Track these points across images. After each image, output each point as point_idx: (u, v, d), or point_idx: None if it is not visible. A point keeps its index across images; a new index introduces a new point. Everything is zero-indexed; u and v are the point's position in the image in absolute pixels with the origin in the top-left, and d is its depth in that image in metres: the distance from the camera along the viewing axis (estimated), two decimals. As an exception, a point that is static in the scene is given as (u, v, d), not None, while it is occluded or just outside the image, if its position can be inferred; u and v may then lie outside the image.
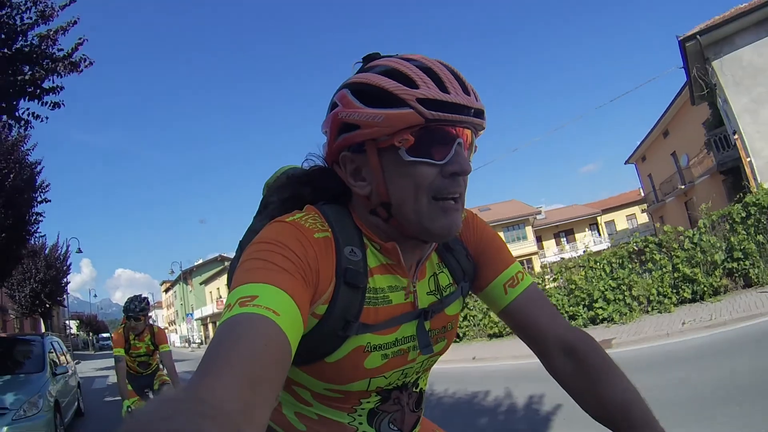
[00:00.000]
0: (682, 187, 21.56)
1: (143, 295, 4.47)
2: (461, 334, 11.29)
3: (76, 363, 10.07)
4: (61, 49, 6.95)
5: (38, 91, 6.76)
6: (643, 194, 31.99)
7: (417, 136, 0.69)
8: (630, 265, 9.55)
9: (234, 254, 0.93)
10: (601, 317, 9.38)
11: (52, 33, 6.78)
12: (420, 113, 0.67)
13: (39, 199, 11.86)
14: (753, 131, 12.63)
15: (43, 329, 21.98)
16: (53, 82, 6.91)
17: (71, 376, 7.39)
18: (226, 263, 43.13)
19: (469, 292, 0.94)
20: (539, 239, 38.84)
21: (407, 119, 0.67)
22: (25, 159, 11.10)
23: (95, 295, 50.92)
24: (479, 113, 0.72)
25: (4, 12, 6.30)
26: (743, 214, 8.83)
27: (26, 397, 5.10)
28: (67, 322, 32.56)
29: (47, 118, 7.25)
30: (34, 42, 6.65)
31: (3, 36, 6.34)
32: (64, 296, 22.76)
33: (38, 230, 12.58)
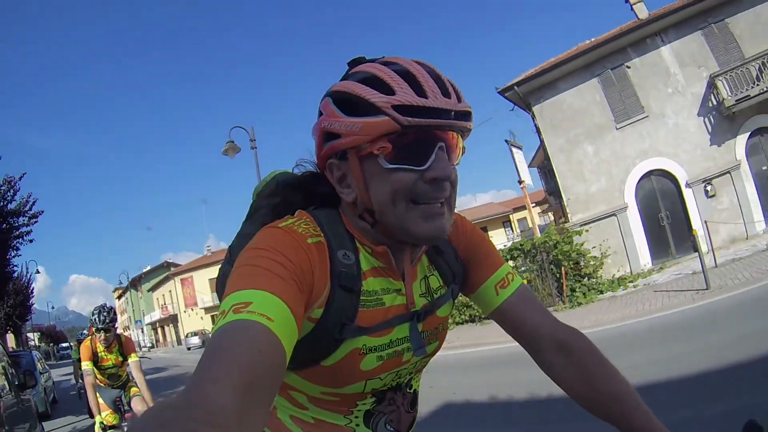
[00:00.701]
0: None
1: (107, 305, 4.30)
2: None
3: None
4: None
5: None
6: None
7: (395, 143, 0.69)
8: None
9: (223, 259, 0.93)
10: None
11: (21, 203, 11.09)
12: (395, 120, 0.67)
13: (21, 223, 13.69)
14: (565, 170, 14.36)
15: (13, 344, 25.49)
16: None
17: (49, 377, 12.00)
18: (173, 268, 45.86)
19: (459, 294, 0.95)
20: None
21: (383, 127, 0.67)
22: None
23: (53, 307, 52.47)
24: (462, 115, 0.71)
25: None
26: (528, 247, 11.75)
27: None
28: (29, 335, 35.02)
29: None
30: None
31: None
32: (30, 315, 26.27)
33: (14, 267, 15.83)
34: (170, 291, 42.54)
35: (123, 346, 4.26)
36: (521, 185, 15.06)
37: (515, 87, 14.48)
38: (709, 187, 13.12)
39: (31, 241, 13.61)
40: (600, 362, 0.83)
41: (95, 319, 4.05)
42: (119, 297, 59.31)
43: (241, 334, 0.54)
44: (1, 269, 13.39)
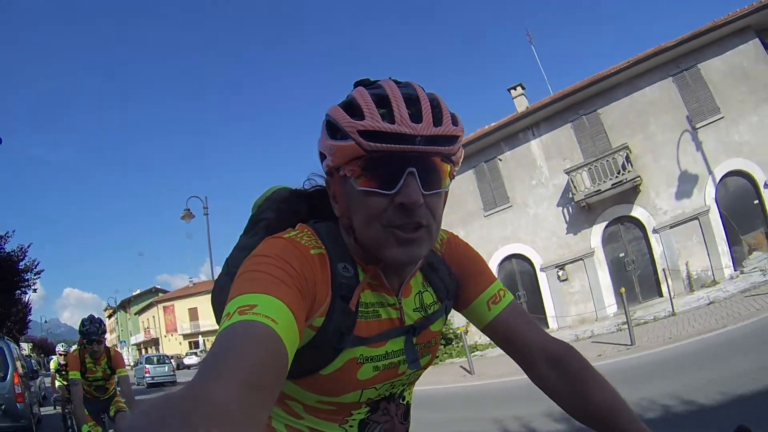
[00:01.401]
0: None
1: (96, 316, 4.15)
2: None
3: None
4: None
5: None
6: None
7: (365, 167, 0.71)
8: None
9: (220, 272, 0.93)
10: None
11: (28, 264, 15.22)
12: (360, 145, 0.69)
13: (29, 277, 17.39)
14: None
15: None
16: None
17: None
18: (160, 294, 49.60)
19: (452, 309, 0.96)
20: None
21: (350, 151, 0.70)
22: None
23: (45, 321, 55.25)
24: (432, 140, 0.70)
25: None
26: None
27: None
28: (23, 344, 37.62)
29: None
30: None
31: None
32: (27, 330, 29.75)
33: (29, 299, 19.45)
34: (154, 316, 46.13)
35: (111, 360, 4.17)
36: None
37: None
38: (560, 272, 14.55)
39: (35, 291, 18.61)
40: (592, 376, 0.84)
41: (87, 330, 3.94)
42: (109, 316, 62.45)
43: (247, 334, 0.55)
44: (10, 306, 17.70)
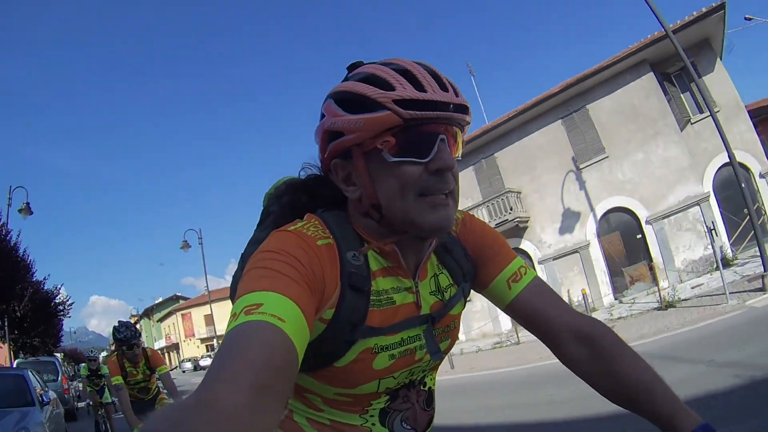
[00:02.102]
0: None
1: (126, 320, 4.20)
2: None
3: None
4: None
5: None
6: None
7: (398, 137, 0.70)
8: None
9: (236, 267, 0.92)
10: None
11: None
12: (397, 114, 0.68)
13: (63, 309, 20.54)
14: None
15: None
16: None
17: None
18: (181, 301, 53.87)
19: (471, 291, 0.94)
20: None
21: (386, 121, 0.69)
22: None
23: (74, 331, 59.33)
24: (460, 108, 0.72)
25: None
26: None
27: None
28: (56, 355, 41.48)
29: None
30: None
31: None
32: (60, 343, 33.69)
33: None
34: (174, 323, 50.42)
35: (149, 360, 4.17)
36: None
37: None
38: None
39: (69, 317, 22.54)
40: (624, 353, 0.80)
41: (123, 337, 3.94)
42: (135, 323, 67.25)
43: (253, 336, 0.54)
44: (49, 330, 21.34)
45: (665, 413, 0.73)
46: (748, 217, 10.40)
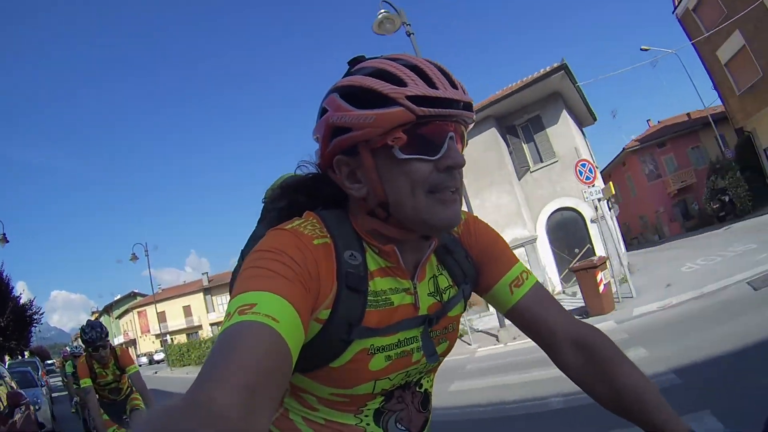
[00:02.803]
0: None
1: (93, 320, 4.09)
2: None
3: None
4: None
5: None
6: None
7: (409, 134, 0.69)
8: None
9: (236, 264, 0.91)
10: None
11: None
12: (410, 110, 0.68)
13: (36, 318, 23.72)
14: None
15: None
16: None
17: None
18: (139, 298, 55.27)
19: (472, 293, 0.93)
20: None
21: (398, 117, 0.68)
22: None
23: (39, 330, 62.29)
24: (468, 106, 0.73)
25: None
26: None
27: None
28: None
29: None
30: None
31: None
32: (30, 344, 36.22)
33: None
34: (131, 320, 53.68)
35: (119, 360, 4.05)
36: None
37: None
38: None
39: (41, 324, 26.11)
40: (619, 359, 0.80)
41: (89, 338, 3.80)
42: (96, 319, 70.78)
43: (246, 336, 0.54)
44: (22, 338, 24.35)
45: (657, 422, 0.72)
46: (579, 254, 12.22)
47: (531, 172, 14.73)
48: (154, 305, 36.56)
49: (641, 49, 20.28)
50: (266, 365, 0.53)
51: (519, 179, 14.69)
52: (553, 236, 14.34)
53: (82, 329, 3.90)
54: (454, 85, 0.72)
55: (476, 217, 0.97)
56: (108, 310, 63.63)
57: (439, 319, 0.86)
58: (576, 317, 0.89)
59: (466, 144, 0.78)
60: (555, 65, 13.27)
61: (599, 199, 9.57)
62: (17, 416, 5.39)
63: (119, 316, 60.46)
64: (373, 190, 0.74)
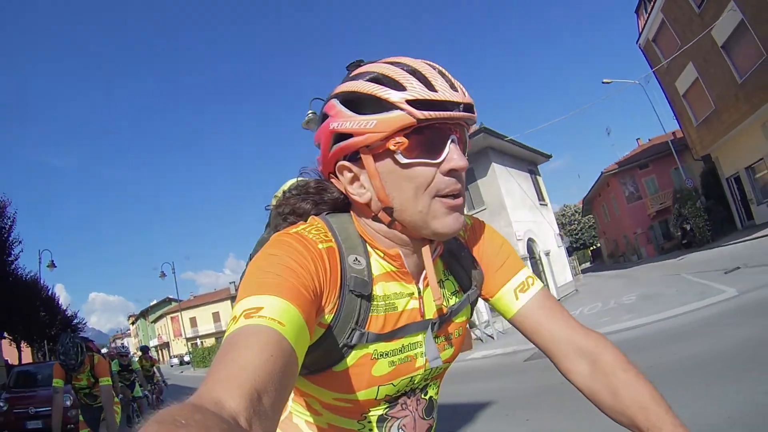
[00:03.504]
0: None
1: (71, 334, 4.03)
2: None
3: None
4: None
5: None
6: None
7: (410, 138, 0.69)
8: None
9: (244, 268, 0.89)
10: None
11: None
12: (411, 114, 0.67)
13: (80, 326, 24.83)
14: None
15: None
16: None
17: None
18: (173, 303, 61.04)
19: (478, 299, 0.92)
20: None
21: (399, 122, 0.68)
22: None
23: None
24: (469, 107, 0.71)
25: None
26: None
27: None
28: None
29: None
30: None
31: None
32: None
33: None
34: (164, 324, 58.82)
35: (94, 368, 4.07)
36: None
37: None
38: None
39: (84, 331, 27.92)
40: (625, 368, 0.78)
41: (65, 363, 3.85)
42: (132, 323, 75.48)
43: (252, 339, 0.54)
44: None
45: None
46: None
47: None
48: (179, 313, 39.84)
49: (603, 82, 20.25)
50: (272, 368, 0.52)
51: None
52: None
53: (61, 343, 3.93)
54: (454, 87, 0.71)
55: (482, 221, 0.97)
56: (144, 314, 68.16)
57: (445, 325, 0.85)
58: (583, 325, 0.86)
59: (469, 146, 0.77)
60: (475, 128, 14.94)
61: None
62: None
63: (154, 321, 64.88)
64: (376, 195, 0.74)
